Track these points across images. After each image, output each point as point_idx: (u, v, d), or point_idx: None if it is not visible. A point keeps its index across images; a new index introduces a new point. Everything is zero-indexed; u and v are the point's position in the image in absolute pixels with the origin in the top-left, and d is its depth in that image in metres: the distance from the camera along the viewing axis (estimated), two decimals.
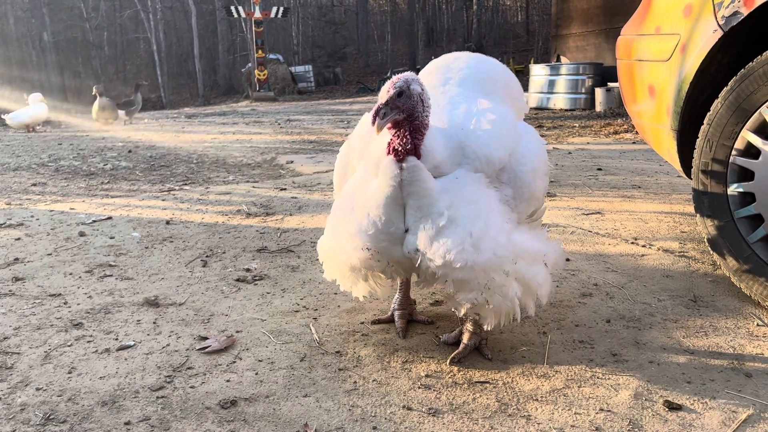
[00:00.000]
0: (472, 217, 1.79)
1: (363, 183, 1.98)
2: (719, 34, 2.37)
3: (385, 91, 1.76)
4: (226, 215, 4.12)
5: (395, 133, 1.79)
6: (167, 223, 3.92)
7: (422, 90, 1.81)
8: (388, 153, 1.81)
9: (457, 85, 2.17)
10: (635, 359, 2.07)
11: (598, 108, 11.65)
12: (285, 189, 5.02)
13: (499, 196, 1.91)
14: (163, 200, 4.65)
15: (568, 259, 3.04)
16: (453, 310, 1.98)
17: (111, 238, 3.59)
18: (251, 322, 2.42)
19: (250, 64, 24.49)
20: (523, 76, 17.55)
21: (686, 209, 3.93)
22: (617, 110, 11.10)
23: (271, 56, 25.73)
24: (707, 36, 2.42)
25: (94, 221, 3.97)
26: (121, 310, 2.56)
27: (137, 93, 11.96)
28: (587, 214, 3.88)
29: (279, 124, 11.28)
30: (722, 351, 2.12)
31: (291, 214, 4.09)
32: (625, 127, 8.71)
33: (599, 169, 5.51)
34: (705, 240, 2.57)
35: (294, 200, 4.54)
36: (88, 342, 2.27)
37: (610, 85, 11.77)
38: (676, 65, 2.58)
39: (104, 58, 38.12)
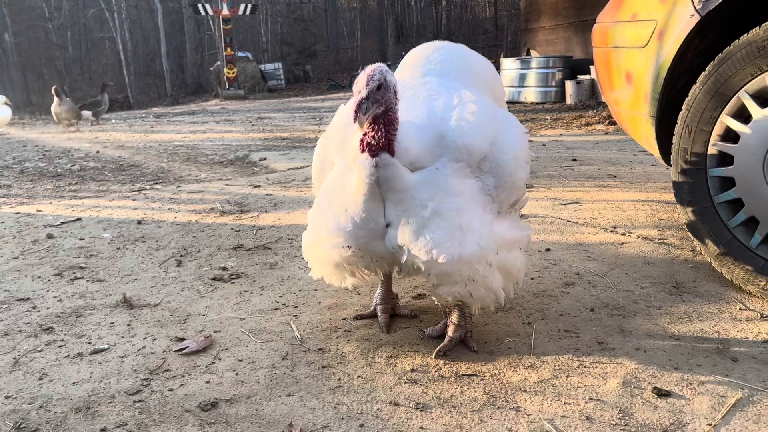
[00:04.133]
0: (458, 209, 1.76)
1: (341, 177, 1.93)
2: (696, 18, 2.36)
3: (364, 84, 1.67)
4: (200, 214, 4.02)
5: (369, 127, 1.73)
6: (139, 223, 3.82)
7: (395, 81, 1.76)
8: (362, 150, 1.75)
9: (436, 76, 2.13)
10: (621, 347, 2.06)
11: (569, 101, 11.73)
12: (259, 186, 4.93)
13: (480, 186, 1.88)
14: (134, 200, 4.53)
15: (548, 249, 3.02)
16: (436, 302, 1.95)
17: (81, 239, 3.48)
18: (230, 321, 2.36)
19: (218, 63, 24.14)
20: None
21: (663, 197, 3.94)
22: (587, 102, 11.18)
23: (240, 54, 25.41)
24: (684, 21, 2.41)
25: (63, 223, 3.85)
26: (94, 312, 2.47)
27: (104, 93, 11.67)
28: (565, 204, 3.87)
29: (250, 122, 11.13)
30: (707, 336, 2.11)
31: (266, 211, 4.01)
32: (596, 118, 8.76)
33: (574, 160, 5.52)
34: (685, 226, 2.56)
35: (269, 197, 4.46)
36: (60, 347, 2.18)
37: (580, 77, 11.86)
38: (654, 51, 2.57)
39: (68, 58, 37.29)
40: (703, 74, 2.41)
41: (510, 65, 13.23)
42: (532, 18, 16.59)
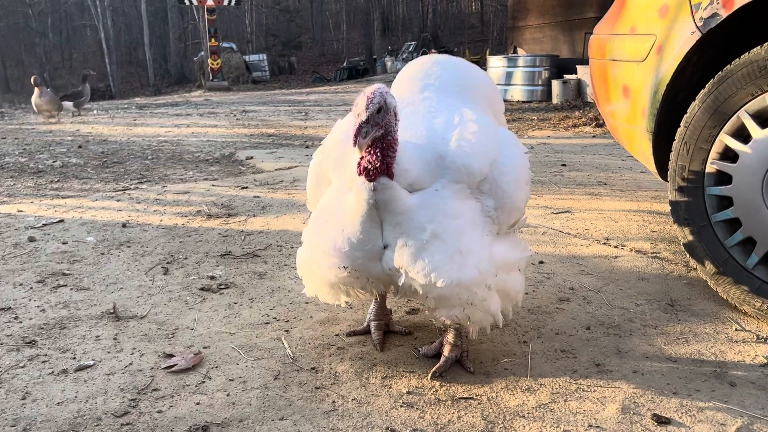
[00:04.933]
0: (457, 232, 1.72)
1: (338, 196, 1.88)
2: (697, 36, 2.34)
3: (363, 107, 1.62)
4: (186, 216, 3.94)
5: (366, 150, 1.68)
6: (123, 225, 3.73)
7: (396, 103, 1.72)
8: (360, 173, 1.70)
9: (436, 92, 2.09)
10: (619, 369, 2.03)
11: (555, 100, 11.75)
12: (246, 187, 4.85)
13: (480, 208, 1.84)
14: (118, 200, 4.43)
15: (542, 262, 3.00)
16: (433, 320, 1.92)
17: (64, 243, 3.39)
18: (219, 336, 2.30)
19: (202, 53, 23.91)
20: (479, 67, 17.60)
21: (654, 207, 3.94)
22: (573, 102, 11.21)
23: (225, 45, 25.21)
24: (685, 37, 2.39)
25: (45, 225, 3.75)
26: (78, 324, 2.40)
27: (85, 83, 11.46)
28: (557, 213, 3.85)
29: (235, 115, 11.01)
30: (704, 358, 2.10)
31: (254, 215, 3.94)
32: (583, 120, 8.77)
33: (563, 165, 5.51)
34: (681, 243, 2.55)
35: (257, 200, 4.39)
36: (43, 362, 2.11)
37: (567, 77, 11.89)
38: (652, 66, 2.55)
39: (48, 45, 36.68)
40: (702, 92, 2.38)
41: (497, 63, 13.24)
42: (519, 16, 16.59)
